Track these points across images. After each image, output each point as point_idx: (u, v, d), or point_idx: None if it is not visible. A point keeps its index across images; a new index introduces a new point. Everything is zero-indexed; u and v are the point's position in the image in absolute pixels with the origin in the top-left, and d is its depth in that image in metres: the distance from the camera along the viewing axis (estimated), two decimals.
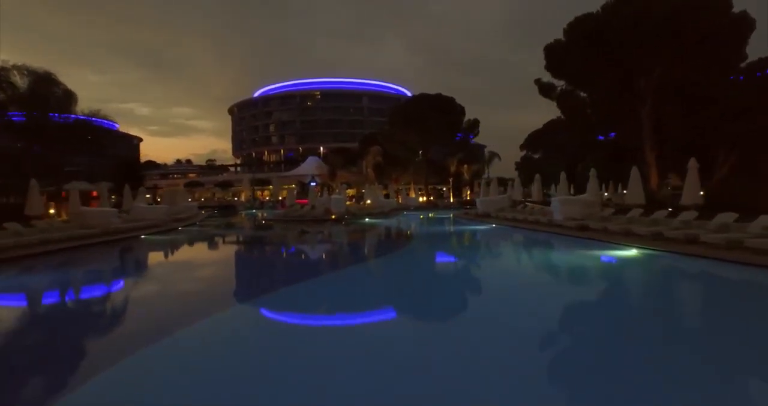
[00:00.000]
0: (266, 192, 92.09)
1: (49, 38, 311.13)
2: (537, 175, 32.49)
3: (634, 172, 19.45)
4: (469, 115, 57.49)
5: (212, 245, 20.81)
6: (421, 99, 44.18)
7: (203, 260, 15.82)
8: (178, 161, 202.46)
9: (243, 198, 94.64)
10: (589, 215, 18.29)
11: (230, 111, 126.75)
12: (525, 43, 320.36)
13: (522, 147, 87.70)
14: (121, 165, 50.79)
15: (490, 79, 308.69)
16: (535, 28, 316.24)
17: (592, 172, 19.74)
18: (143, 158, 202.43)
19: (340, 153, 58.77)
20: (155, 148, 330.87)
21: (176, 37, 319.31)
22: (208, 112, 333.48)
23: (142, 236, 21.31)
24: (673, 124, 26.83)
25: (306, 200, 46.60)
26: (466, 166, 57.53)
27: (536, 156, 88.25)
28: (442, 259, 15.75)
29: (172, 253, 17.82)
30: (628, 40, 23.98)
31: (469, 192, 57.16)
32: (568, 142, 64.60)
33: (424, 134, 42.86)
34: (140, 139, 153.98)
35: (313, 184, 57.17)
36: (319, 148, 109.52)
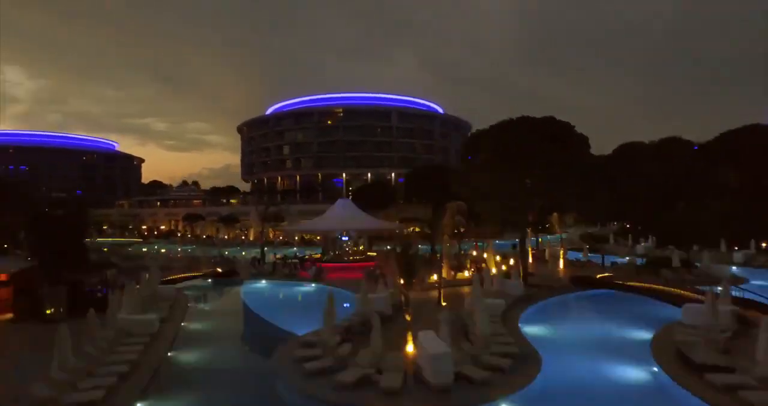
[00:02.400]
0: (278, 231, 76.56)
1: (68, 56, 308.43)
2: None
3: None
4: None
5: None
6: (522, 124, 28.34)
7: None
8: (185, 183, 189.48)
9: (251, 237, 79.13)
10: None
11: (239, 130, 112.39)
12: (533, 61, 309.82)
13: None
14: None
15: (497, 96, 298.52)
16: (544, 47, 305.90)
17: None
18: (149, 178, 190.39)
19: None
20: (171, 163, 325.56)
21: (190, 54, 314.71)
22: (222, 127, 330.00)
23: None
24: None
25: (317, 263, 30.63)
26: (555, 214, 41.33)
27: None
28: None
29: None
30: None
31: (562, 252, 40.67)
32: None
33: (533, 178, 26.93)
34: (142, 160, 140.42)
35: (345, 239, 41.35)
36: (341, 174, 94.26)
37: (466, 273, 33.00)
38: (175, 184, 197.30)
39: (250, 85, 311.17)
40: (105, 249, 72.20)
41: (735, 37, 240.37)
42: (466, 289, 31.13)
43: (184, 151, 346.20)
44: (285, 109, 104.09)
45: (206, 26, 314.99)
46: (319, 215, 74.43)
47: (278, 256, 43.74)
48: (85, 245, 26.20)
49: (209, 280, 36.24)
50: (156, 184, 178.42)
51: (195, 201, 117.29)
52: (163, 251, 76.82)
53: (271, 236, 73.89)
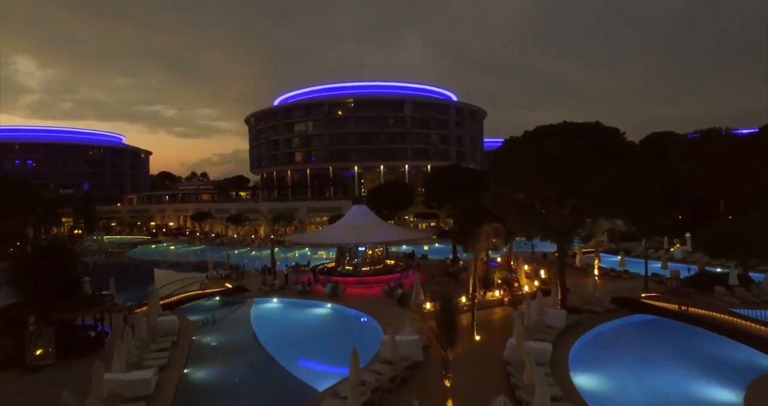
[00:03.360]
0: (290, 228, 73.98)
1: (77, 45, 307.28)
2: None
3: None
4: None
5: None
6: (566, 131, 24.95)
7: None
8: (193, 174, 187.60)
9: (261, 234, 76.73)
10: None
11: (247, 121, 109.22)
12: (540, 43, 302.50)
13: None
14: None
15: (505, 78, 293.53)
16: (551, 29, 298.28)
17: None
18: (159, 165, 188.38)
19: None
20: (181, 150, 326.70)
21: (198, 41, 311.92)
22: (230, 113, 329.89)
23: None
24: None
25: (332, 277, 27.51)
26: (589, 220, 37.95)
27: None
28: None
29: None
30: None
31: (597, 261, 37.22)
32: None
33: (582, 201, 23.60)
34: (149, 153, 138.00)
35: (361, 249, 38.47)
36: (353, 168, 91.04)
37: (497, 293, 29.97)
38: (185, 173, 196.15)
39: (259, 71, 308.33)
40: (112, 250, 70.53)
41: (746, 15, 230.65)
42: (498, 312, 28.30)
43: (194, 137, 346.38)
44: (294, 100, 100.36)
45: (214, 13, 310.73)
46: (330, 212, 72.24)
47: (288, 268, 40.91)
48: (78, 279, 23.51)
49: (217, 298, 33.68)
50: (165, 176, 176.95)
51: (204, 195, 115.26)
52: (172, 247, 75.22)
53: (282, 231, 71.48)
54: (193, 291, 33.87)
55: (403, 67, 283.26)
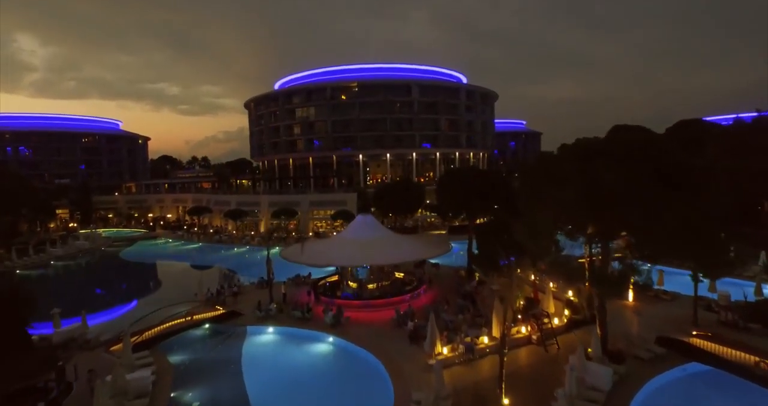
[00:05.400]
0: (292, 223, 70.06)
1: (79, 22, 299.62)
2: None
3: None
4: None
5: None
6: (615, 149, 20.49)
7: None
8: (194, 159, 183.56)
9: (261, 228, 72.96)
10: None
11: (246, 106, 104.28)
12: (549, 13, 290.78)
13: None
14: None
15: (513, 52, 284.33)
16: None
17: None
18: (157, 153, 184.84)
19: None
20: (186, 127, 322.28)
21: (200, 16, 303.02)
22: (235, 90, 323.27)
23: None
24: None
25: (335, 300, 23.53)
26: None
27: None
28: None
29: None
30: None
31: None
32: None
33: (640, 241, 19.41)
34: (147, 138, 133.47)
35: (366, 267, 34.50)
36: (358, 156, 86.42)
37: (523, 329, 25.99)
38: (189, 152, 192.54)
39: (262, 46, 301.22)
40: (105, 248, 67.28)
41: None
42: (524, 355, 24.36)
43: (198, 115, 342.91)
44: (294, 84, 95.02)
45: None
46: (334, 206, 68.17)
47: (288, 281, 37.31)
48: (27, 334, 19.64)
49: (207, 326, 30.01)
50: (165, 159, 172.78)
51: (203, 183, 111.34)
52: (170, 241, 71.92)
53: (280, 230, 68.13)
54: (179, 318, 30.18)
55: (410, 42, 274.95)
